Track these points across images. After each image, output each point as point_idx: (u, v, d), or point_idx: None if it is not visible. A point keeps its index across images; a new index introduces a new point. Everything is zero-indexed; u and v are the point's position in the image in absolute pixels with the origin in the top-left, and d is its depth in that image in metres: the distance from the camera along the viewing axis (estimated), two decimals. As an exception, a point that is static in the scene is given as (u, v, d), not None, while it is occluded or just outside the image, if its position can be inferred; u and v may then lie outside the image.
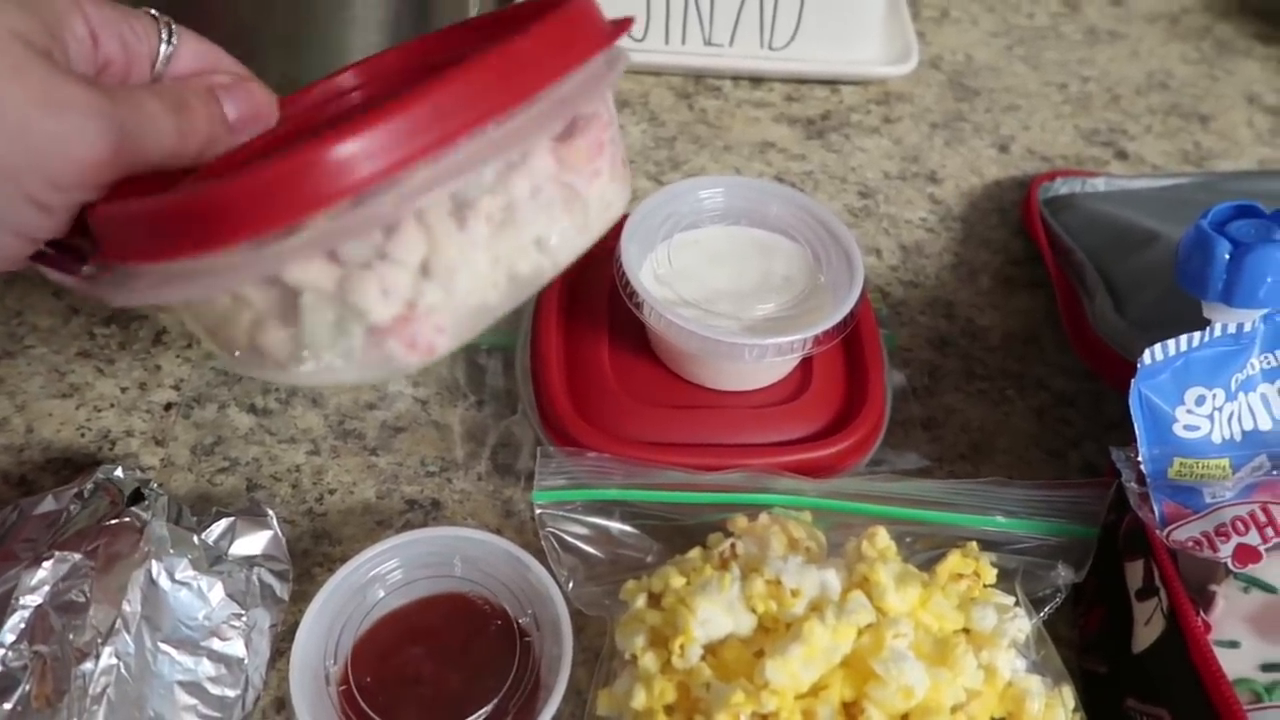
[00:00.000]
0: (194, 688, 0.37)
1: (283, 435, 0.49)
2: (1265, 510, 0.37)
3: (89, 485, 0.40)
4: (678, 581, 0.38)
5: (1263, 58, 0.78)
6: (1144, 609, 0.39)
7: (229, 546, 0.40)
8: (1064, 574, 0.42)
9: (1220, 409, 0.40)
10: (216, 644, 0.38)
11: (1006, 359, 0.55)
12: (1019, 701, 0.37)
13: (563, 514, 0.43)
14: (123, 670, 0.35)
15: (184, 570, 0.38)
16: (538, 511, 0.43)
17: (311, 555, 0.45)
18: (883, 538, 0.40)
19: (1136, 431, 0.40)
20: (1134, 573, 0.40)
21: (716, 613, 0.37)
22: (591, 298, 0.50)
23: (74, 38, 0.33)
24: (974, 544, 0.41)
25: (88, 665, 0.35)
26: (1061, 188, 0.62)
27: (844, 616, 0.36)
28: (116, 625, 0.35)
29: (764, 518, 0.41)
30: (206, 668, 0.37)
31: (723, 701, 0.35)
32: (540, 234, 0.32)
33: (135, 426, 0.48)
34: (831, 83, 0.71)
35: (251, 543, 0.41)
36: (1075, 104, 0.72)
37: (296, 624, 0.39)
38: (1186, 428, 0.40)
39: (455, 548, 0.41)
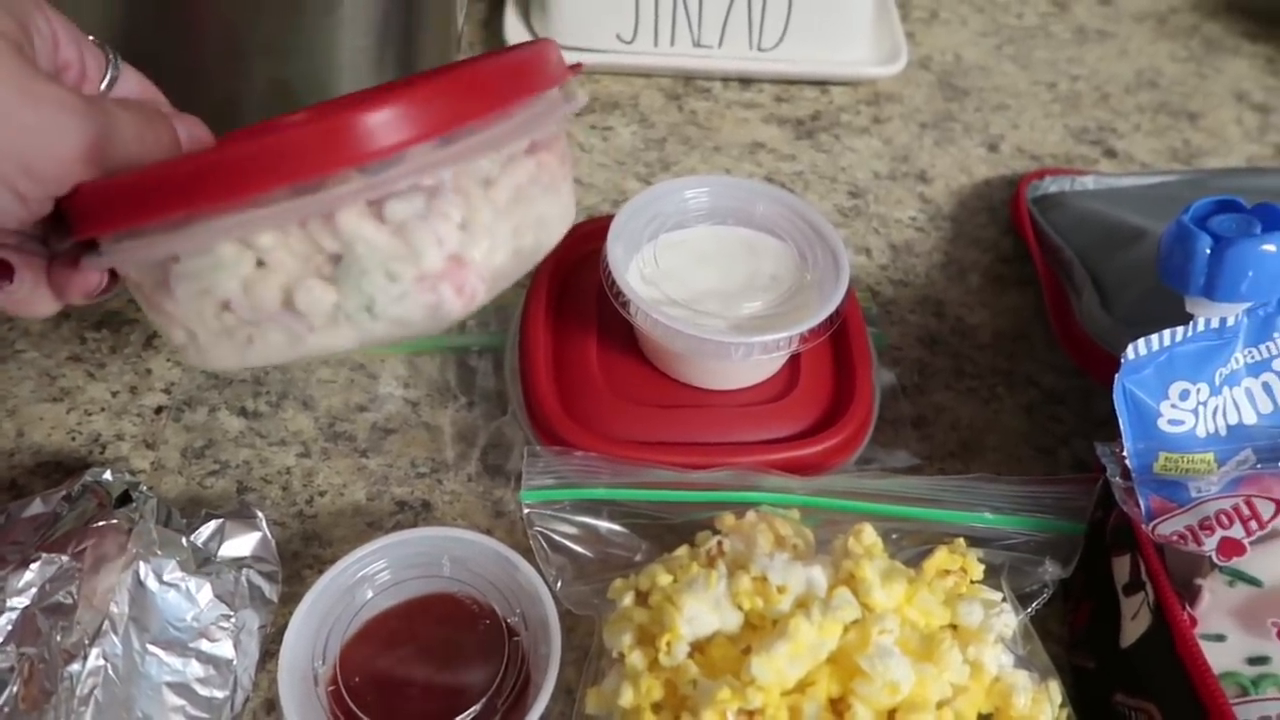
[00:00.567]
0: (182, 689, 0.37)
1: (273, 438, 0.49)
2: (1249, 504, 0.37)
3: (76, 488, 0.40)
4: (665, 579, 0.38)
5: (1251, 56, 0.78)
6: (1131, 604, 0.39)
7: (218, 548, 0.40)
8: (1051, 570, 0.42)
9: (1204, 403, 0.40)
10: (205, 645, 0.38)
11: (996, 357, 0.55)
12: (1006, 696, 0.37)
13: (551, 513, 0.43)
14: (110, 671, 0.35)
15: (172, 571, 0.38)
16: (526, 511, 0.43)
17: (302, 557, 0.45)
18: (869, 534, 0.40)
19: (1121, 426, 0.40)
20: (1121, 568, 0.40)
21: (703, 610, 0.37)
22: (579, 299, 0.50)
23: (39, 35, 0.33)
24: (961, 540, 0.41)
25: (75, 666, 0.35)
26: (1050, 186, 0.62)
27: (830, 613, 0.36)
28: (104, 627, 0.36)
29: (751, 515, 0.41)
30: (195, 669, 0.38)
31: (709, 698, 0.35)
32: (541, 213, 0.38)
33: (126, 430, 0.49)
34: (821, 83, 0.71)
35: (240, 544, 0.41)
36: (1064, 103, 0.72)
37: (286, 625, 0.39)
38: (1171, 422, 0.40)
39: (443, 548, 0.42)
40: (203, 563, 0.39)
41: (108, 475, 0.41)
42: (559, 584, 0.42)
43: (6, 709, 0.34)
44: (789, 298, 0.46)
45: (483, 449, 0.49)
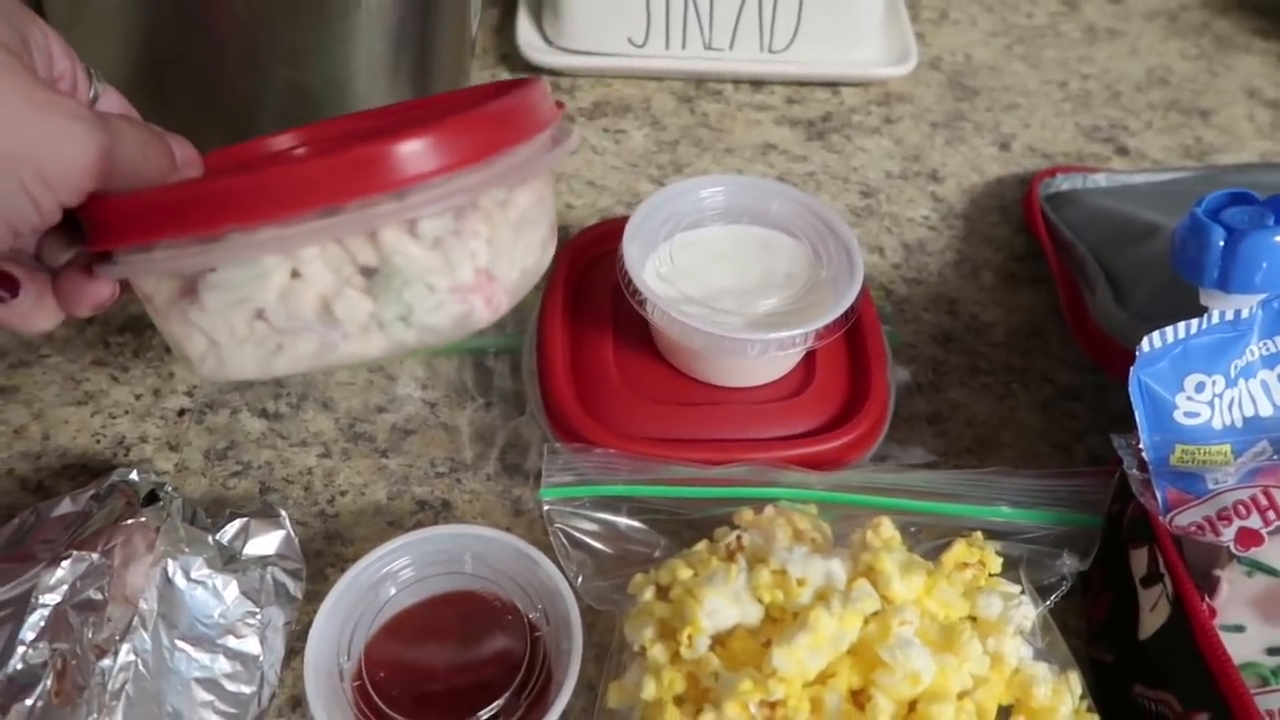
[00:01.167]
0: (211, 684, 0.38)
1: (294, 439, 0.49)
2: (1267, 494, 0.38)
3: (105, 487, 0.40)
4: (685, 573, 0.39)
5: (1262, 52, 0.78)
6: (1149, 595, 0.39)
7: (243, 546, 0.41)
8: (1069, 562, 0.42)
9: (1220, 395, 0.41)
10: (232, 641, 0.39)
11: (1010, 354, 0.55)
12: (1026, 688, 0.37)
13: (570, 510, 0.43)
14: (140, 667, 0.36)
15: (199, 569, 0.39)
16: (545, 508, 0.43)
17: (324, 556, 0.45)
18: (887, 528, 0.40)
19: (1137, 419, 0.40)
20: (1139, 560, 0.40)
21: (723, 603, 0.37)
22: (595, 299, 0.51)
23: (36, 46, 0.33)
24: (979, 533, 0.41)
25: (106, 662, 0.35)
26: (1063, 184, 0.62)
27: (850, 604, 0.36)
28: (134, 623, 0.36)
29: (769, 510, 0.42)
30: (223, 665, 0.38)
31: (731, 690, 0.35)
32: (541, 235, 0.40)
33: (149, 432, 0.49)
34: (832, 84, 0.71)
35: (265, 543, 0.41)
36: (1075, 101, 0.72)
37: (310, 622, 0.39)
38: (1187, 414, 0.40)
39: (465, 545, 0.42)
40: (228, 560, 0.40)
41: (135, 475, 0.42)
42: (579, 580, 0.42)
43: (40, 703, 0.34)
44: (804, 295, 0.46)
45: (501, 449, 0.50)
